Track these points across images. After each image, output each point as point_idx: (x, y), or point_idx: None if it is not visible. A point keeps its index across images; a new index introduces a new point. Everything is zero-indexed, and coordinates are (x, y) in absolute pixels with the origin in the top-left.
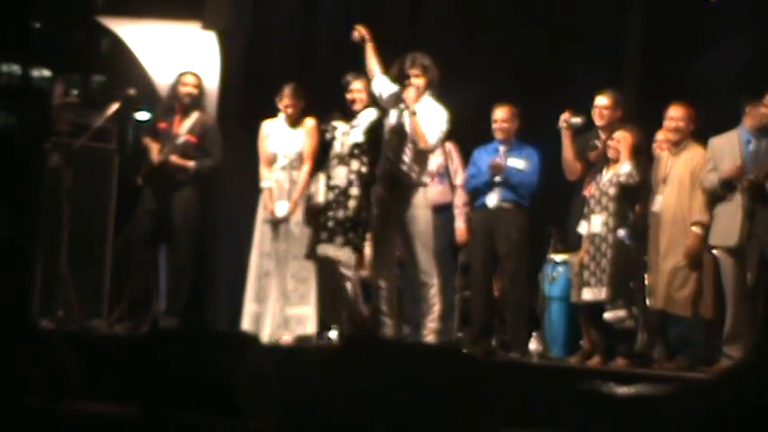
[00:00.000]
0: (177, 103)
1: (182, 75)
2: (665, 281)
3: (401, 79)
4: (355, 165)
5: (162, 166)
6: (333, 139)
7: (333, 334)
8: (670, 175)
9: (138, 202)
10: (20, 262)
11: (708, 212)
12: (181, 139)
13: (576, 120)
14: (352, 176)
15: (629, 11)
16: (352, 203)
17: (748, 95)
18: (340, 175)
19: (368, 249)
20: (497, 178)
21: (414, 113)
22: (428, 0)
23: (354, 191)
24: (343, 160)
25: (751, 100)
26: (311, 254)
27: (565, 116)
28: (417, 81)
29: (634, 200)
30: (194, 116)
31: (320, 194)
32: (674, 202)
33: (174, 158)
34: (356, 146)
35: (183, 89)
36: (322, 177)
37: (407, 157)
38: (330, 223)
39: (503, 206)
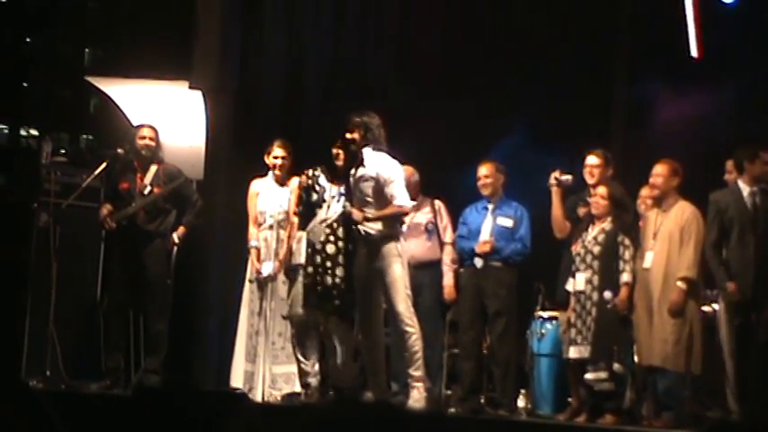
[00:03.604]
0: (136, 160)
1: (138, 128)
2: (658, 337)
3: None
4: (343, 231)
5: (130, 224)
6: (321, 201)
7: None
8: (660, 231)
9: (109, 262)
10: (8, 321)
11: (695, 268)
12: (147, 191)
13: (567, 177)
14: (340, 243)
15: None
16: (339, 272)
17: (745, 152)
18: (324, 237)
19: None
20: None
21: (366, 220)
22: (412, 59)
23: (341, 258)
24: (330, 226)
25: (749, 156)
26: (290, 314)
27: (555, 174)
28: (351, 136)
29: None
30: (154, 168)
31: (302, 255)
32: (664, 259)
33: (174, 239)
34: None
35: (141, 142)
36: (303, 237)
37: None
38: (318, 288)
39: (491, 265)
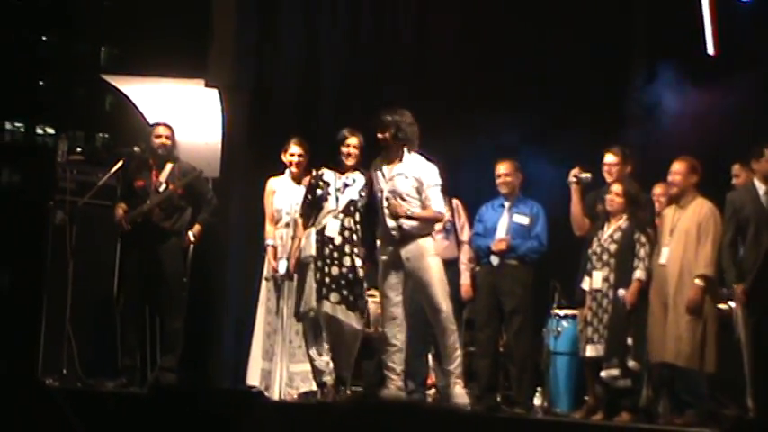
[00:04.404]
0: (151, 158)
1: (154, 126)
2: (672, 333)
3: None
4: (349, 222)
5: (146, 221)
6: (326, 194)
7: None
8: (677, 228)
9: (125, 260)
10: (25, 320)
11: (713, 266)
12: (162, 188)
13: (586, 175)
14: (347, 233)
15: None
16: (347, 261)
17: (751, 150)
18: (333, 228)
19: (371, 306)
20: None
21: (408, 217)
22: (430, 60)
23: (348, 248)
24: (337, 216)
25: (755, 154)
26: (298, 312)
27: (574, 171)
28: (383, 135)
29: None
30: (169, 167)
31: (312, 249)
32: (681, 255)
33: (190, 237)
34: (351, 203)
35: (157, 141)
36: (312, 232)
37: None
38: (326, 279)
39: (508, 263)
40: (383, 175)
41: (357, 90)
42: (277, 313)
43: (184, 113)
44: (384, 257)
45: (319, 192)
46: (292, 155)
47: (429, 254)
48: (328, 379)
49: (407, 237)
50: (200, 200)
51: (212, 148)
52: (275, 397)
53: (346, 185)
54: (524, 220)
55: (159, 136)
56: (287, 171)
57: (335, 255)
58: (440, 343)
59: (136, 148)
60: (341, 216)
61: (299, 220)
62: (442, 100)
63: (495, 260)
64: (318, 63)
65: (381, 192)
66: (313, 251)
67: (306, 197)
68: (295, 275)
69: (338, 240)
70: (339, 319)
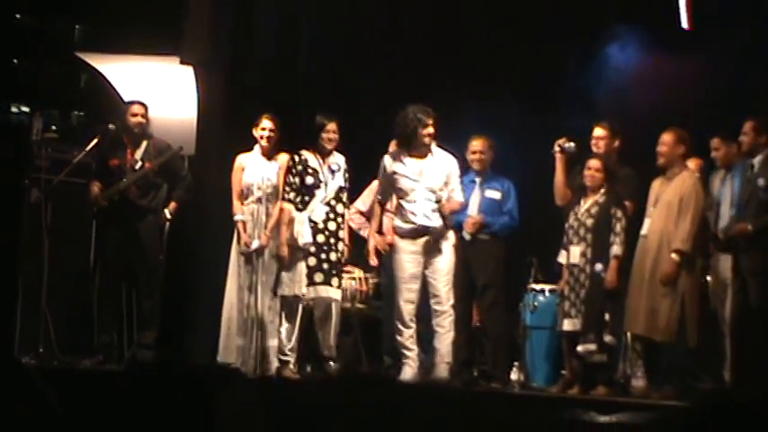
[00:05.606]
0: (126, 136)
1: (130, 105)
2: (648, 306)
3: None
4: (340, 207)
5: (122, 199)
6: (317, 183)
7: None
8: (660, 199)
9: (101, 238)
10: (1, 299)
11: (690, 241)
12: (138, 166)
13: (570, 144)
14: (339, 219)
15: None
16: (341, 246)
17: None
18: (327, 215)
19: (350, 283)
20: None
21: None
22: (409, 33)
23: (342, 233)
24: (330, 203)
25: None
26: (276, 291)
27: (560, 141)
28: (434, 131)
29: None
30: (144, 144)
31: (308, 236)
32: (661, 227)
33: (166, 214)
34: (341, 189)
35: (133, 119)
36: (306, 219)
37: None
38: (325, 266)
39: (480, 237)
40: (408, 166)
41: (331, 68)
42: (249, 289)
43: (159, 91)
44: (407, 246)
45: (310, 180)
46: (263, 129)
47: (451, 242)
48: (291, 358)
49: (438, 231)
50: (175, 176)
51: (187, 125)
52: (250, 373)
53: (333, 171)
54: (496, 195)
55: (135, 114)
56: (256, 146)
57: (332, 241)
58: (438, 324)
59: (111, 126)
60: (333, 203)
61: (287, 206)
62: (418, 71)
63: (467, 235)
64: (293, 40)
65: (395, 179)
66: (310, 238)
67: (290, 182)
68: (272, 251)
69: (333, 226)
70: (332, 302)
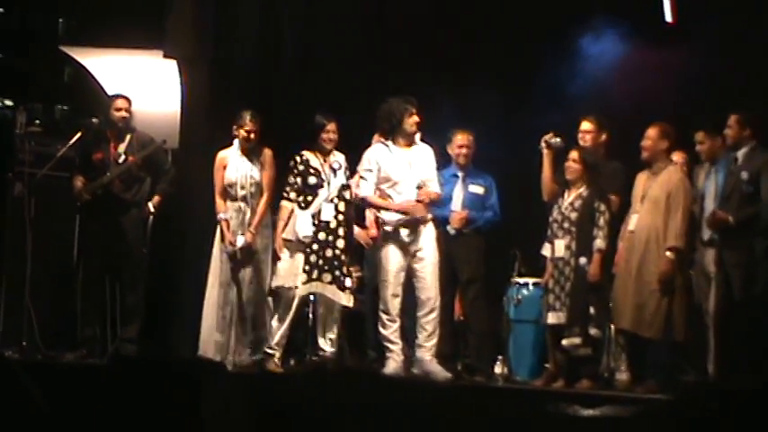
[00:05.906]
0: (110, 130)
1: (113, 99)
2: (635, 302)
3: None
4: (342, 205)
5: (106, 193)
6: (321, 182)
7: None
8: (647, 195)
9: (85, 231)
10: None
11: (683, 237)
12: (122, 160)
13: (556, 140)
14: (340, 216)
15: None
16: (340, 243)
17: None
18: (329, 213)
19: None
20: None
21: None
22: (393, 31)
23: (342, 230)
24: (332, 201)
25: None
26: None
27: (546, 137)
28: (419, 119)
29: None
30: (128, 138)
31: (309, 230)
32: (649, 223)
33: (150, 208)
34: (343, 187)
35: (117, 114)
36: (308, 215)
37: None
38: (320, 261)
39: (463, 231)
40: (396, 156)
41: (316, 61)
42: (230, 285)
43: (143, 85)
44: (394, 236)
45: (313, 180)
46: (246, 127)
47: (435, 238)
48: (277, 352)
49: (424, 222)
50: (159, 170)
51: (170, 120)
52: (229, 367)
53: (334, 170)
54: (479, 190)
55: (119, 109)
56: (235, 142)
57: (330, 238)
58: (424, 320)
59: (94, 120)
60: (335, 201)
61: (286, 205)
62: (400, 70)
63: (451, 230)
64: (277, 33)
65: (384, 170)
66: (310, 233)
67: (292, 183)
68: (259, 247)
69: (333, 224)
70: (328, 298)
